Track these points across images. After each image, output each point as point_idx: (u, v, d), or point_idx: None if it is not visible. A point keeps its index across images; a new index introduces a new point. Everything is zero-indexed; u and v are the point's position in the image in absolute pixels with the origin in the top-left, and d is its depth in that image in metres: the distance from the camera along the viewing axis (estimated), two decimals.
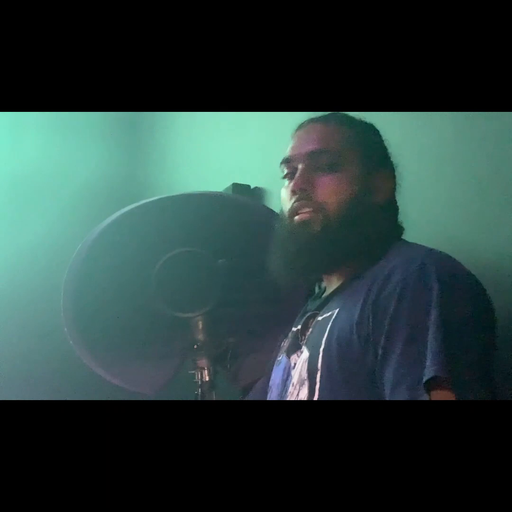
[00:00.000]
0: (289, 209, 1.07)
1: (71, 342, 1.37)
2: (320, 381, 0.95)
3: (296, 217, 1.06)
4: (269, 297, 1.26)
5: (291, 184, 1.06)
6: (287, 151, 1.10)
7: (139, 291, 1.38)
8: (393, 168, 1.10)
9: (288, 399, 1.02)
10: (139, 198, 1.41)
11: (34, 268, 2.01)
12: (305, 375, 0.99)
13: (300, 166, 1.06)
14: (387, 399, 0.86)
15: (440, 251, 0.96)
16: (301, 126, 1.12)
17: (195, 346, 1.41)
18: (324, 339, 0.97)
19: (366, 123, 1.11)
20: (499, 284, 0.99)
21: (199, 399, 1.36)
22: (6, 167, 2.07)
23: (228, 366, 1.37)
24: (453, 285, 0.90)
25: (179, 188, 2.06)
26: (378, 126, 1.12)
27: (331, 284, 1.10)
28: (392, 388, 0.86)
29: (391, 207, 1.09)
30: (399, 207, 1.10)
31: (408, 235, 1.09)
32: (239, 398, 1.32)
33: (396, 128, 1.11)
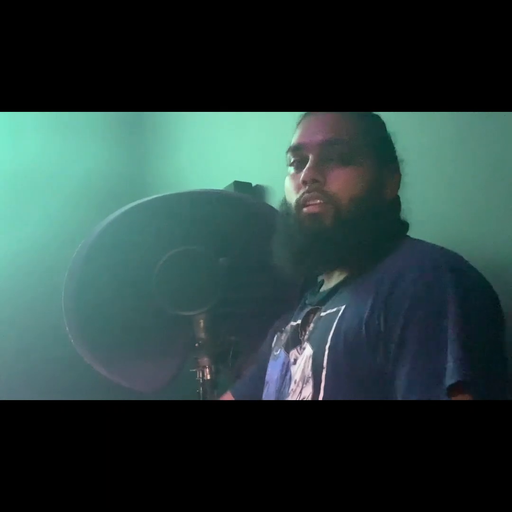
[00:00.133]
0: (297, 200, 1.03)
1: (72, 340, 1.37)
2: (326, 379, 0.93)
3: (305, 209, 1.02)
4: (270, 295, 1.25)
5: (302, 174, 1.02)
6: (294, 139, 1.06)
7: (140, 289, 1.38)
8: (399, 162, 1.08)
9: (290, 396, 1.00)
10: (140, 196, 1.41)
11: (34, 266, 2.00)
12: (309, 372, 0.96)
13: (311, 156, 1.03)
14: (399, 398, 0.84)
15: (449, 250, 0.94)
16: (308, 114, 1.08)
17: (197, 345, 1.41)
18: (330, 336, 0.94)
19: (374, 114, 1.09)
20: (500, 283, 0.98)
21: (200, 397, 1.36)
22: (5, 165, 2.07)
23: (230, 364, 1.37)
24: (469, 285, 0.88)
25: (181, 186, 2.05)
26: None
27: (331, 278, 1.08)
28: (407, 388, 0.83)
29: (397, 203, 1.07)
30: (401, 203, 1.08)
31: (409, 232, 1.09)
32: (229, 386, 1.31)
33: (396, 126, 1.10)
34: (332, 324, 0.95)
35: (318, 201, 1.01)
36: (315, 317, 1.04)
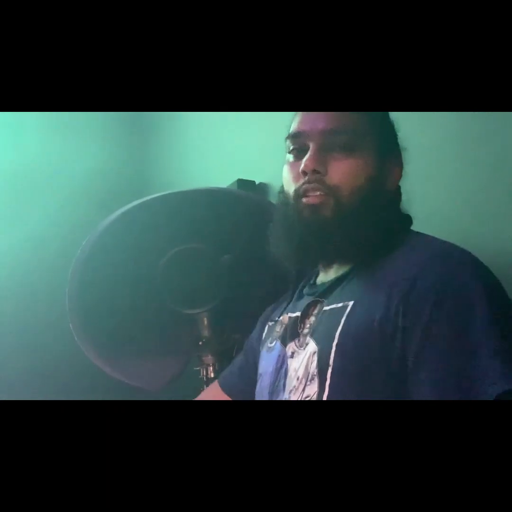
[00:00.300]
0: (296, 190, 1.00)
1: (76, 338, 1.37)
2: (331, 378, 0.89)
3: (304, 199, 0.99)
4: (274, 292, 1.25)
5: (302, 164, 0.98)
6: (294, 125, 1.02)
7: (144, 288, 1.38)
8: (401, 151, 1.05)
9: (291, 393, 0.97)
10: (142, 194, 1.41)
11: (34, 265, 2.00)
12: (314, 370, 0.92)
13: (312, 145, 0.99)
14: (418, 397, 0.82)
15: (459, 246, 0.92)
16: None
17: (200, 343, 1.41)
18: (337, 333, 0.90)
19: None
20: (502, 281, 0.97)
21: None
22: (6, 164, 2.07)
23: None
24: (492, 281, 0.87)
25: (184, 184, 2.05)
26: None
27: (329, 269, 1.04)
28: (433, 388, 0.81)
29: (398, 194, 1.04)
30: (402, 194, 1.05)
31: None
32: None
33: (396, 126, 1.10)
34: (339, 320, 0.91)
35: (318, 192, 0.97)
36: (317, 311, 1.00)
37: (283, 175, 1.04)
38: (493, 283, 0.87)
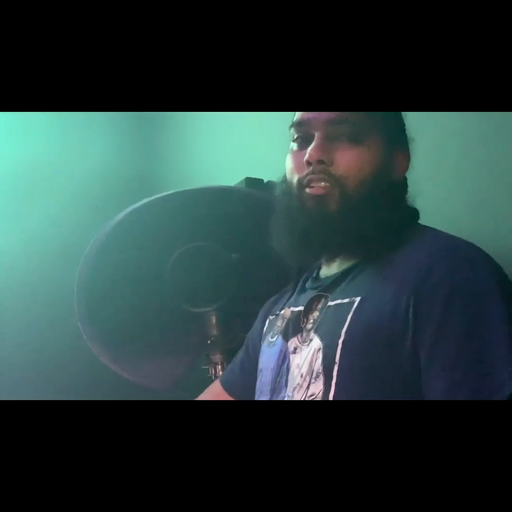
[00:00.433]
0: (300, 180, 0.97)
1: (84, 337, 1.37)
2: (338, 376, 0.87)
3: (308, 190, 0.96)
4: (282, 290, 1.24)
5: (307, 153, 0.95)
6: (298, 114, 0.99)
7: (153, 286, 1.38)
8: (408, 141, 1.02)
9: (295, 391, 0.94)
10: (151, 193, 1.41)
11: (36, 265, 2.00)
12: (319, 368, 0.90)
13: (317, 134, 0.96)
14: (430, 395, 0.81)
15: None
16: None
17: (209, 341, 1.41)
18: (343, 329, 0.88)
19: None
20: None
21: None
22: (10, 162, 2.07)
23: None
24: (502, 278, 0.86)
25: (192, 183, 2.05)
26: None
27: (332, 263, 1.01)
28: (448, 388, 0.80)
29: (404, 185, 1.02)
30: (408, 186, 1.03)
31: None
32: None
33: None
34: (346, 317, 0.89)
35: (323, 183, 0.94)
36: (321, 306, 0.97)
37: (286, 164, 1.01)
38: (503, 276, 0.87)
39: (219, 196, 1.41)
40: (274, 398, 0.99)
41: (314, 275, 1.06)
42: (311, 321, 0.97)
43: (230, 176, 1.84)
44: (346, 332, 0.88)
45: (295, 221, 0.98)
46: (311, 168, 0.95)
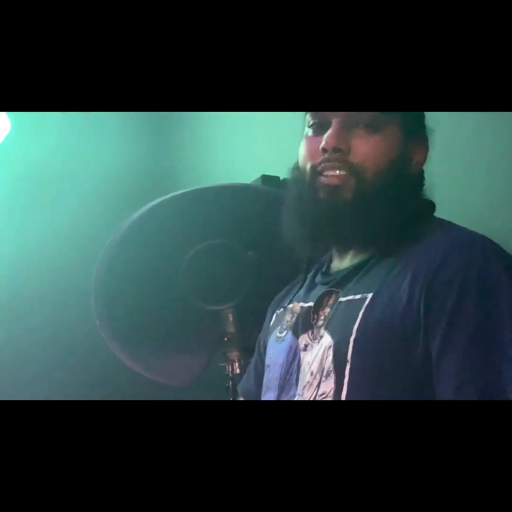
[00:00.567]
0: (313, 167, 0.94)
1: (102, 334, 1.38)
2: (350, 374, 0.86)
3: (323, 178, 0.93)
4: None
5: (323, 140, 0.92)
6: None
7: (169, 284, 1.39)
8: (428, 135, 0.99)
9: (304, 389, 0.92)
10: (167, 192, 1.41)
11: (48, 264, 2.01)
12: (330, 366, 0.89)
13: (334, 120, 0.92)
14: (445, 398, 0.80)
15: (484, 236, 0.89)
16: None
17: (226, 339, 1.41)
18: (355, 326, 0.87)
19: None
20: None
21: (229, 391, 1.36)
22: (30, 159, 2.08)
23: None
24: None
25: (208, 181, 2.05)
26: None
27: (345, 257, 0.98)
28: (458, 386, 0.79)
29: (422, 178, 0.98)
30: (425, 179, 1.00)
31: None
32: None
33: None
34: (357, 313, 0.88)
35: (338, 172, 0.92)
36: (332, 302, 0.94)
37: (299, 150, 0.98)
38: None
39: (235, 194, 1.41)
40: (283, 396, 0.97)
41: (324, 269, 1.03)
42: (322, 317, 0.95)
43: (246, 174, 1.84)
44: (357, 330, 0.87)
45: (306, 212, 0.96)
46: (326, 155, 0.93)
